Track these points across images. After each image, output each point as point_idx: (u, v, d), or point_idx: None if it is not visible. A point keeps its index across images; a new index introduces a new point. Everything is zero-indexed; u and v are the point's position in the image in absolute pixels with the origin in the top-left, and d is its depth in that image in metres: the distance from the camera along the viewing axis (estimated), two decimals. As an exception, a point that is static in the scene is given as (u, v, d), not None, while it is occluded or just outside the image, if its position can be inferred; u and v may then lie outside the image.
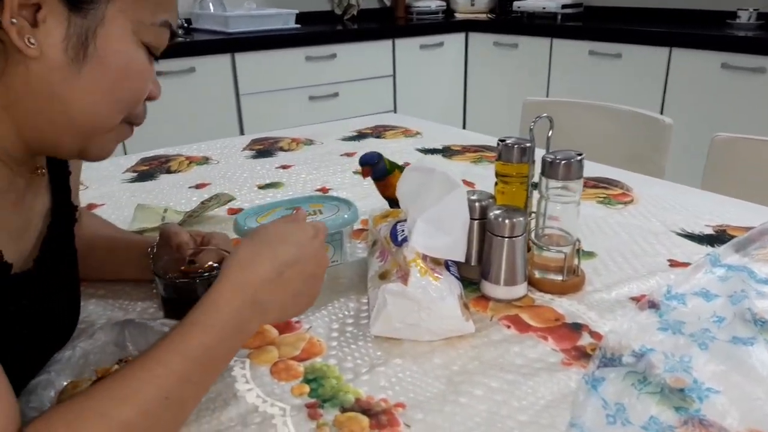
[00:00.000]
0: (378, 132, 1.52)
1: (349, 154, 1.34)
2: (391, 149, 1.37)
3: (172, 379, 0.47)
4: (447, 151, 1.35)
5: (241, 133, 2.64)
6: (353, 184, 1.15)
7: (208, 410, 0.56)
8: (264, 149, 1.40)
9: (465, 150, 1.35)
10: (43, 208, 0.61)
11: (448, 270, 0.71)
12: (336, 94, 2.94)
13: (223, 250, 0.71)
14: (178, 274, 0.68)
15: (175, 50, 2.37)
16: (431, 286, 0.65)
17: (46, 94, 0.50)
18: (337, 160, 1.30)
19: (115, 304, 0.75)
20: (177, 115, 2.47)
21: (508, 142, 0.77)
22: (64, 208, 0.63)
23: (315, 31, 2.91)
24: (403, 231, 0.72)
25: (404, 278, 0.67)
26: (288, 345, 0.66)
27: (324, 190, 1.12)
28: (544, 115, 0.73)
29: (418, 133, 1.51)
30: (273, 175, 1.22)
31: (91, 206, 1.06)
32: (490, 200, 0.75)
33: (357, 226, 0.94)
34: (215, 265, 0.69)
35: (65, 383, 0.55)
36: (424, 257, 0.67)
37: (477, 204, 0.75)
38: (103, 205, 1.07)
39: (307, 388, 0.59)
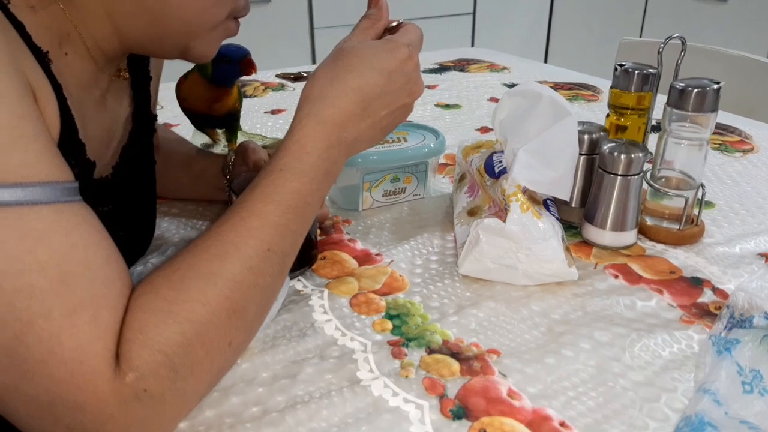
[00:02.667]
0: (461, 65, 1.42)
1: (430, 87, 1.25)
2: (475, 83, 1.28)
3: (271, 230, 0.44)
4: (537, 89, 1.24)
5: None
6: (435, 117, 1.07)
7: (284, 339, 0.52)
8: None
9: (558, 87, 1.24)
10: (124, 113, 0.56)
11: (548, 210, 0.63)
12: (412, 32, 2.81)
13: None
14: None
15: (251, -22, 2.30)
16: (533, 224, 0.57)
17: None
18: (417, 93, 1.22)
19: (188, 223, 0.71)
20: (250, 46, 2.41)
21: (627, 67, 0.67)
22: (144, 116, 0.59)
23: (394, -38, 2.77)
24: (500, 162, 0.64)
25: (501, 214, 0.60)
26: (368, 278, 0.61)
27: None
28: (676, 35, 0.63)
29: (505, 68, 1.40)
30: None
31: (166, 126, 1.03)
32: (602, 133, 0.66)
33: (441, 160, 0.87)
34: None
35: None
36: (524, 191, 0.60)
37: (586, 137, 0.66)
38: (177, 125, 1.04)
39: (389, 324, 0.54)
